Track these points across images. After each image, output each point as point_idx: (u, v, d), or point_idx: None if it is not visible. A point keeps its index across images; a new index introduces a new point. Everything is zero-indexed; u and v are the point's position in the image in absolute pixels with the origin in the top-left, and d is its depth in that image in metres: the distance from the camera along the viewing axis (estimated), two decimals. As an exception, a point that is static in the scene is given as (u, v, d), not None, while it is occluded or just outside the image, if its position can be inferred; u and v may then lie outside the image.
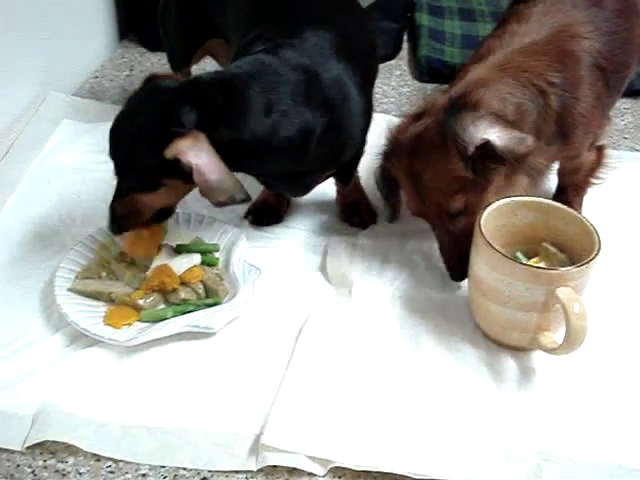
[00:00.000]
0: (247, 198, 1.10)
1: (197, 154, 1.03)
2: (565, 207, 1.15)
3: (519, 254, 1.15)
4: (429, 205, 1.16)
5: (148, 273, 1.18)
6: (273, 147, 1.12)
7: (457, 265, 1.18)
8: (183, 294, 1.17)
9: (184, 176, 1.05)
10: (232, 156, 1.08)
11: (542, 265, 1.10)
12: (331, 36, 1.19)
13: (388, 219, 1.33)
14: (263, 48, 1.17)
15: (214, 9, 1.41)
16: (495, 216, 1.13)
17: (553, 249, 1.13)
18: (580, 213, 1.35)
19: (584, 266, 1.03)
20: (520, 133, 1.10)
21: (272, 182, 1.29)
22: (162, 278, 1.16)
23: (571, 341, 1.02)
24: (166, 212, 1.20)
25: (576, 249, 1.10)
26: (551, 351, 1.07)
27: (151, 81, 1.15)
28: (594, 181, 1.39)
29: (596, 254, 1.05)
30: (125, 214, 1.15)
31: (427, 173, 1.13)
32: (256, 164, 1.16)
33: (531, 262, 1.11)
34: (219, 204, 1.09)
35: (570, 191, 1.40)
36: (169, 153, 1.03)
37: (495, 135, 1.07)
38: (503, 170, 1.13)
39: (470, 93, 1.12)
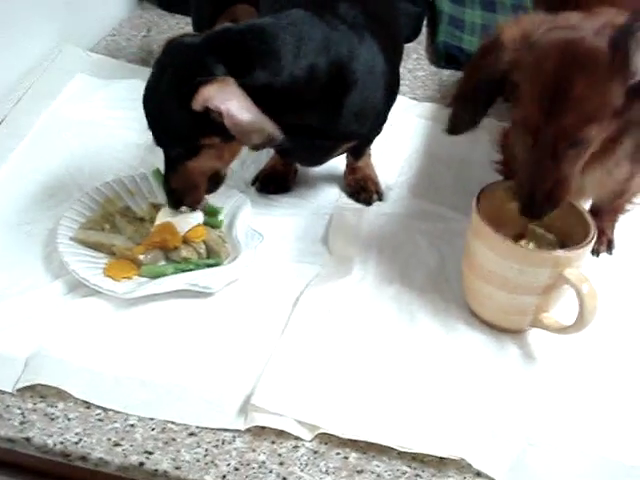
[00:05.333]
0: (282, 137, 1.09)
1: (225, 98, 1.02)
2: None
3: None
4: (553, 123, 1.00)
5: (151, 229, 1.19)
6: (306, 94, 1.12)
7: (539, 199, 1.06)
8: (184, 252, 1.17)
9: (218, 129, 1.04)
10: (265, 104, 1.07)
11: (531, 247, 1.11)
12: (362, 12, 1.20)
13: (457, 128, 1.17)
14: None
15: None
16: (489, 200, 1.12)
17: (540, 230, 1.14)
18: (612, 238, 1.33)
19: (586, 246, 1.05)
20: None
21: (291, 146, 1.23)
22: (164, 235, 1.17)
23: (583, 320, 1.03)
24: (216, 181, 1.18)
25: (562, 228, 1.11)
26: (559, 331, 1.08)
27: (171, 43, 1.12)
28: (629, 207, 1.31)
29: (594, 234, 1.06)
30: (180, 187, 1.14)
31: (578, 87, 0.98)
32: (287, 114, 1.13)
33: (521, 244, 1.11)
34: (256, 147, 1.08)
35: (605, 215, 1.31)
36: (196, 104, 1.02)
37: None
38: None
39: None
